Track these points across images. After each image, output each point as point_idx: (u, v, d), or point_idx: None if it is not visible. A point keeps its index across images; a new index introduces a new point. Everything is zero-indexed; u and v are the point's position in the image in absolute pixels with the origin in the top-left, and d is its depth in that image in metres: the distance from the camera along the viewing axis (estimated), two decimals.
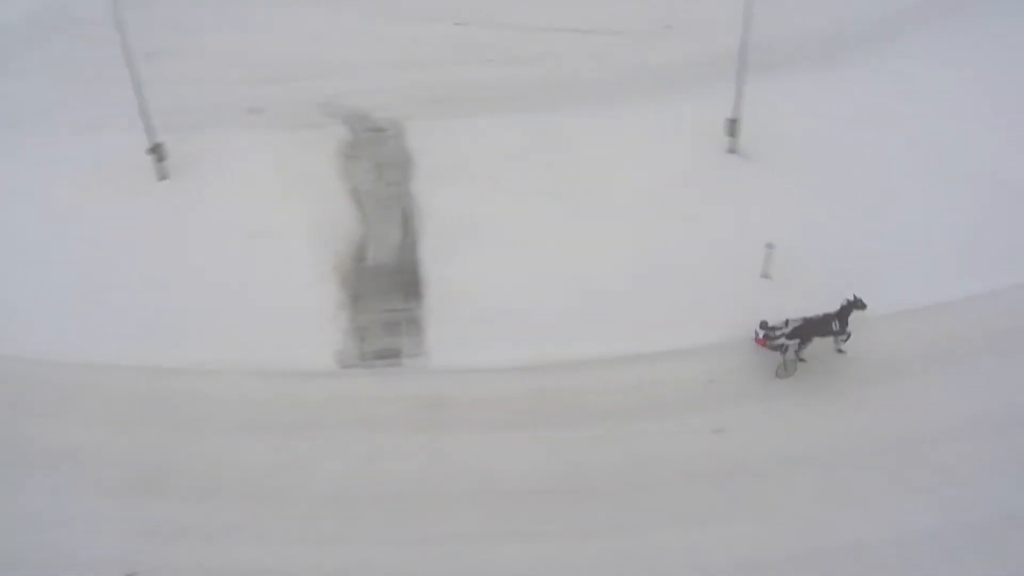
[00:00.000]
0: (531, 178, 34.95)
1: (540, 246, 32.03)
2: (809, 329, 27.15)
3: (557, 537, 24.65)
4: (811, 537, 23.81)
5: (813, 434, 26.13)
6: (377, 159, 36.55)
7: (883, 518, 24.17)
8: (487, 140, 36.83)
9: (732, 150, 35.95)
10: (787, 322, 27.10)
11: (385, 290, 31.07)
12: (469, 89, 40.03)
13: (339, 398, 27.88)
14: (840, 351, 27.34)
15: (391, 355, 29.12)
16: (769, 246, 30.75)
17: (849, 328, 27.58)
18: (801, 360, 27.18)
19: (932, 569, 23.19)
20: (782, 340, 26.80)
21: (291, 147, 36.44)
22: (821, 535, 23.90)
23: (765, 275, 31.30)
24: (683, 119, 37.24)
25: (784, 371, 27.25)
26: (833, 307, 27.83)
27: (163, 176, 35.06)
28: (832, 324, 27.20)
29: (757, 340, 27.26)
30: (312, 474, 26.05)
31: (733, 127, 35.41)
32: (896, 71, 40.34)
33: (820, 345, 27.86)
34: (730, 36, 36.97)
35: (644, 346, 28.60)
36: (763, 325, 27.30)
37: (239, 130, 37.11)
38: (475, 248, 32.02)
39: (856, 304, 27.47)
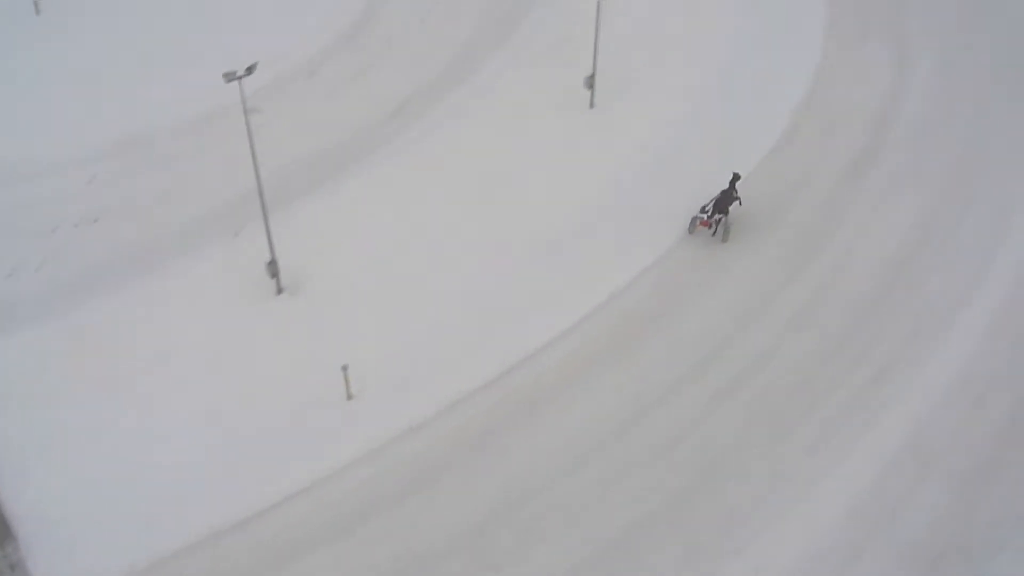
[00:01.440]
0: None
1: None
2: (724, 201, 36.51)
3: None
4: None
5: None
6: None
7: None
8: None
9: (280, 290, 36.02)
10: (708, 206, 36.37)
11: None
12: None
13: None
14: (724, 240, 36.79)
15: None
16: (344, 367, 31.23)
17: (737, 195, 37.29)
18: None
19: None
20: (719, 216, 35.89)
21: None
22: None
23: (349, 396, 31.72)
24: (222, 270, 37.99)
25: (726, 235, 36.49)
26: (721, 187, 38.15)
27: None
28: (733, 194, 36.37)
29: (702, 222, 36.37)
30: None
31: (273, 268, 35.51)
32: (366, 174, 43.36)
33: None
34: (236, 184, 37.37)
35: None
36: (702, 210, 36.58)
37: None
38: None
39: (736, 176, 37.08)
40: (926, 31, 53.40)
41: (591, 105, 47.19)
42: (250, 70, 31.70)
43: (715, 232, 37.51)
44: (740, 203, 37.98)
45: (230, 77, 31.43)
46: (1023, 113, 46.47)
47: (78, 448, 31.47)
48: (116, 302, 36.68)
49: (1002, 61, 50.46)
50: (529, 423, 32.32)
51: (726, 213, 37.02)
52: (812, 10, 55.22)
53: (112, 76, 50.14)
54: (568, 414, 32.46)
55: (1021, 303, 36.44)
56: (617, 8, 52.60)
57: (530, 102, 47.26)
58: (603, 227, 39.59)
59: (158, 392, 33.06)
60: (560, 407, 32.70)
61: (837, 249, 38.91)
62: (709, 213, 37.01)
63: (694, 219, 37.48)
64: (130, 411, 32.48)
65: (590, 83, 45.91)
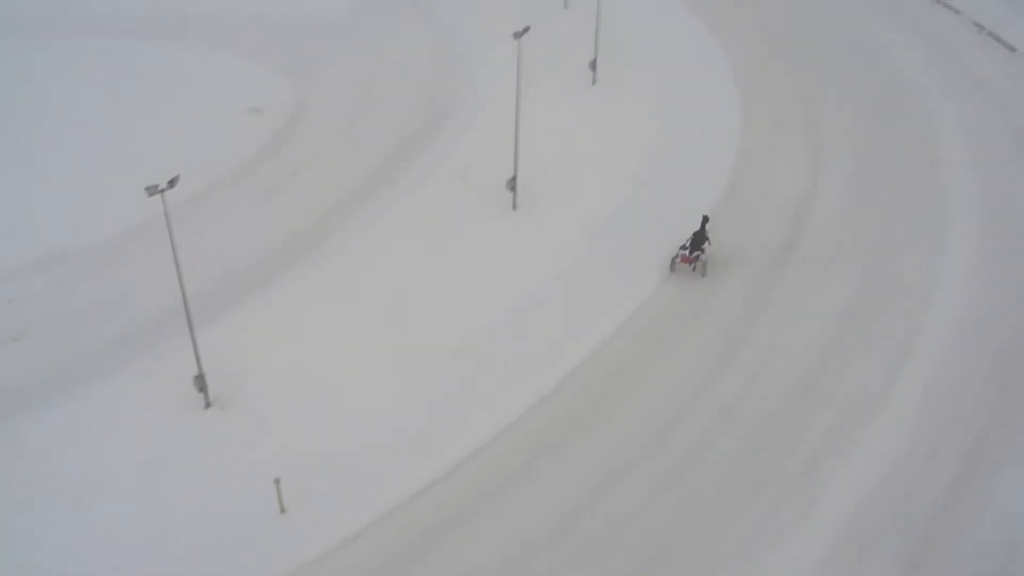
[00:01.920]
0: None
1: None
2: (697, 239, 39.73)
3: None
4: None
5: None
6: None
7: None
8: None
9: (208, 404, 35.55)
10: (686, 244, 39.59)
11: None
12: None
13: None
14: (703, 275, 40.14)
15: None
16: (276, 480, 30.80)
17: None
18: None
19: None
20: (697, 253, 39.06)
21: None
22: None
23: (283, 509, 32.06)
24: (148, 386, 37.34)
25: (704, 270, 39.67)
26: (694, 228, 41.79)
27: None
28: (704, 233, 39.88)
29: (683, 259, 39.71)
30: None
31: (201, 382, 35.04)
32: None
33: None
34: (161, 297, 38.91)
35: None
36: (682, 247, 39.88)
37: None
38: None
39: (706, 218, 40.81)
40: (839, 124, 55.18)
41: (514, 207, 47.56)
42: (172, 183, 31.64)
43: (694, 268, 40.70)
44: (710, 243, 41.33)
45: (152, 191, 31.30)
46: (932, 198, 47.86)
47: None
48: (39, 423, 35.75)
49: (909, 151, 52.24)
50: (468, 523, 31.95)
51: (702, 251, 40.26)
52: (726, 110, 57.02)
53: (33, 193, 49.60)
54: (504, 514, 32.18)
55: (945, 384, 36.78)
56: (535, 118, 53.23)
57: (455, 206, 47.32)
58: (529, 327, 39.72)
59: (85, 513, 32.17)
60: (497, 507, 32.33)
61: (763, 337, 39.22)
62: (688, 250, 40.21)
63: (674, 258, 40.50)
64: (54, 535, 31.56)
65: (512, 185, 46.37)
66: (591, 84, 58.46)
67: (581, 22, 65.15)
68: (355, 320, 40.29)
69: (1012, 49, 62.49)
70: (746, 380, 37.03)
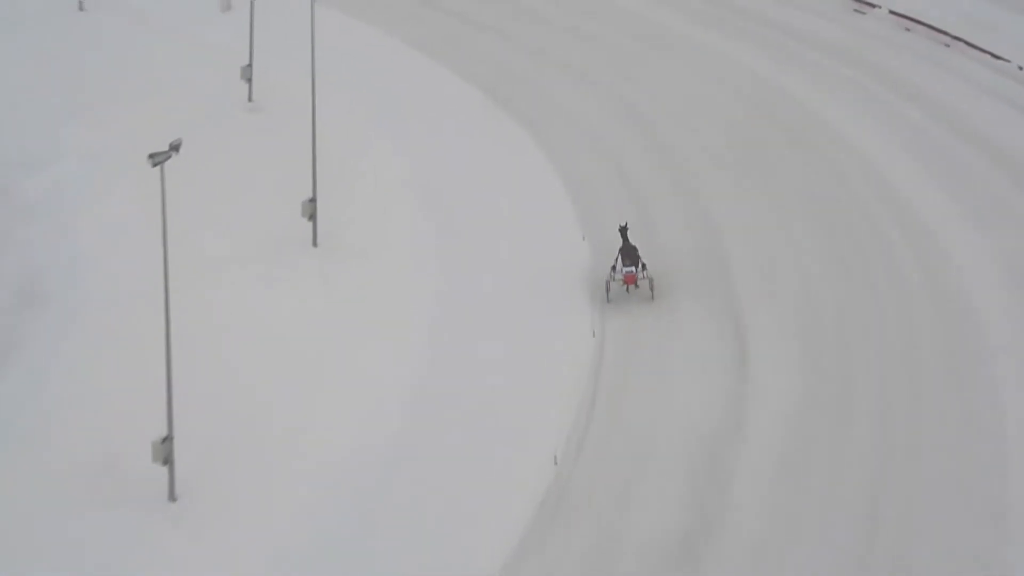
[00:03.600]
0: None
1: None
2: (631, 253, 32.39)
3: None
4: None
5: None
6: None
7: None
8: None
9: None
10: (616, 264, 32.19)
11: None
12: None
13: None
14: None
15: None
16: None
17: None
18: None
19: None
20: (634, 268, 32.23)
21: None
22: None
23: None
24: None
25: (653, 290, 32.24)
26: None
27: None
28: (631, 244, 32.66)
29: (627, 278, 32.03)
30: None
31: None
32: None
33: None
34: None
35: None
36: (614, 269, 32.20)
37: None
38: None
39: (625, 227, 33.25)
40: (782, 282, 33.98)
41: None
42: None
43: (637, 286, 32.73)
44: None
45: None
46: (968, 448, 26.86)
47: None
48: None
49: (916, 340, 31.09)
50: None
51: (643, 266, 32.73)
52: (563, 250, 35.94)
53: None
54: None
55: None
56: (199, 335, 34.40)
57: None
58: None
59: None
60: None
61: None
62: (632, 269, 32.41)
63: (608, 282, 32.53)
64: None
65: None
66: (312, 245, 35.26)
67: (280, 119, 41.54)
68: None
69: None
70: None
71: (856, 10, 50.34)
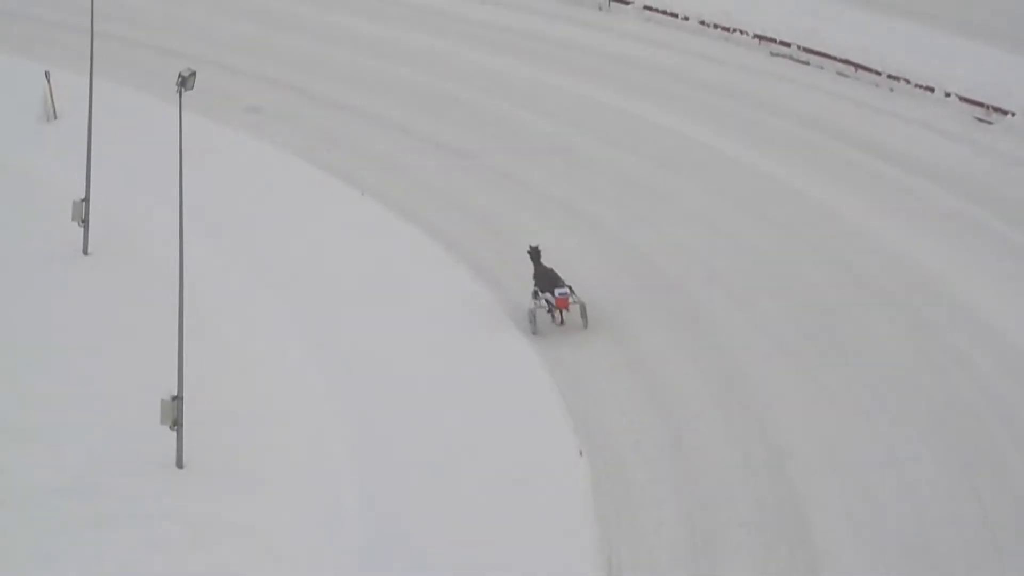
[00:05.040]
0: None
1: None
2: (549, 276, 29.95)
3: None
4: None
5: None
6: None
7: None
8: None
9: None
10: (536, 292, 29.99)
11: None
12: None
13: None
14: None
15: None
16: None
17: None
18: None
19: None
20: (566, 290, 30.06)
21: None
22: None
23: None
24: None
25: (585, 317, 29.80)
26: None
27: None
28: (546, 269, 31.01)
29: (559, 301, 29.67)
30: None
31: None
32: None
33: None
34: None
35: None
36: (536, 296, 29.84)
37: None
38: None
39: (534, 249, 31.16)
40: None
41: None
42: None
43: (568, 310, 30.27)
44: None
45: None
46: None
47: None
48: None
49: None
50: None
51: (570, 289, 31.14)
52: None
53: None
54: None
55: None
56: None
57: None
58: None
59: None
60: None
61: None
62: (567, 291, 29.70)
63: (532, 311, 29.39)
64: None
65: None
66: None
67: (126, 278, 31.00)
68: None
69: None
70: None
71: (980, 119, 36.06)
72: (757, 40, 41.17)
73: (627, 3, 43.06)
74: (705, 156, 35.32)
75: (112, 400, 25.07)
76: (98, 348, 26.82)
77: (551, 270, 29.67)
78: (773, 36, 40.86)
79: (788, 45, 40.63)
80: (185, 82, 23.55)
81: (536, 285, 29.71)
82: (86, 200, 29.44)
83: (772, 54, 41.03)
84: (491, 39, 40.72)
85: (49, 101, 35.52)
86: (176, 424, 23.48)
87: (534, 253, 30.17)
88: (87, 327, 27.63)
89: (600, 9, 43.33)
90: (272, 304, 29.04)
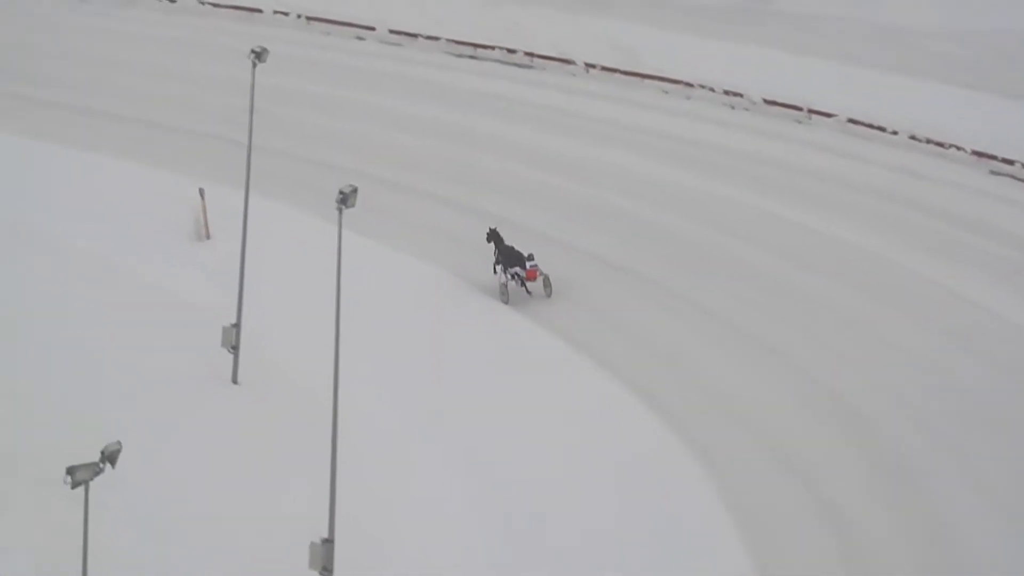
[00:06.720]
0: None
1: None
2: (512, 252, 33.22)
3: None
4: None
5: None
6: None
7: None
8: None
9: None
10: (504, 267, 33.13)
11: None
12: None
13: None
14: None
15: None
16: None
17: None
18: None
19: None
20: (535, 263, 33.12)
21: None
22: None
23: None
24: None
25: (549, 287, 33.21)
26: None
27: None
28: (508, 247, 33.80)
29: (529, 274, 32.97)
30: None
31: None
32: None
33: None
34: None
35: None
36: (505, 270, 32.98)
37: None
38: None
39: (493, 232, 34.13)
40: None
41: None
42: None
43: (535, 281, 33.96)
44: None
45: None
46: None
47: None
48: None
49: None
50: None
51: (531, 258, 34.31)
52: None
53: None
54: None
55: None
56: None
57: None
58: None
59: None
60: None
61: None
62: (535, 263, 33.10)
63: (504, 284, 33.02)
64: None
65: None
66: None
67: (278, 411, 30.03)
68: None
69: None
70: None
71: None
72: (975, 156, 38.06)
73: (829, 116, 40.34)
74: (911, 282, 32.36)
75: (257, 553, 23.00)
76: (242, 486, 24.68)
77: (512, 247, 32.96)
78: (993, 153, 37.87)
79: (1011, 163, 37.71)
80: (346, 199, 23.09)
81: (503, 262, 32.93)
82: (237, 325, 27.44)
83: (992, 172, 38.15)
84: (680, 153, 38.58)
85: (202, 219, 34.01)
86: (326, 570, 22.21)
87: (494, 234, 33.28)
88: (232, 460, 25.62)
89: (799, 122, 40.51)
90: (427, 439, 26.79)
